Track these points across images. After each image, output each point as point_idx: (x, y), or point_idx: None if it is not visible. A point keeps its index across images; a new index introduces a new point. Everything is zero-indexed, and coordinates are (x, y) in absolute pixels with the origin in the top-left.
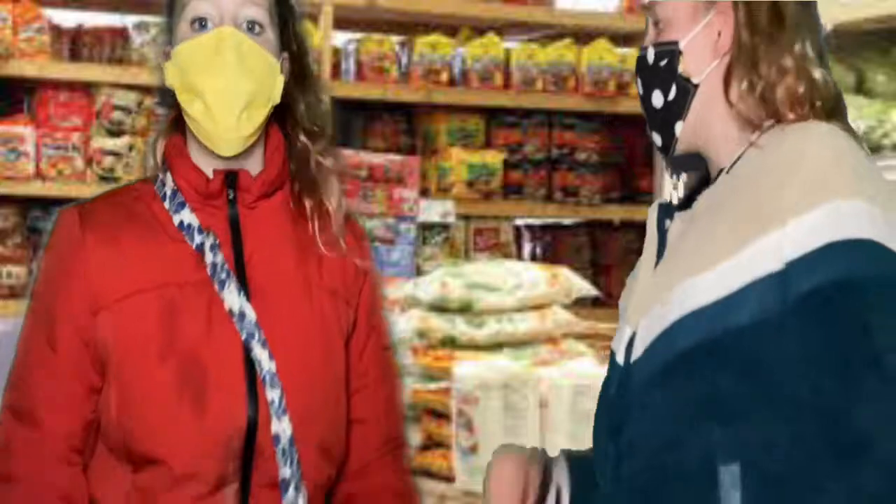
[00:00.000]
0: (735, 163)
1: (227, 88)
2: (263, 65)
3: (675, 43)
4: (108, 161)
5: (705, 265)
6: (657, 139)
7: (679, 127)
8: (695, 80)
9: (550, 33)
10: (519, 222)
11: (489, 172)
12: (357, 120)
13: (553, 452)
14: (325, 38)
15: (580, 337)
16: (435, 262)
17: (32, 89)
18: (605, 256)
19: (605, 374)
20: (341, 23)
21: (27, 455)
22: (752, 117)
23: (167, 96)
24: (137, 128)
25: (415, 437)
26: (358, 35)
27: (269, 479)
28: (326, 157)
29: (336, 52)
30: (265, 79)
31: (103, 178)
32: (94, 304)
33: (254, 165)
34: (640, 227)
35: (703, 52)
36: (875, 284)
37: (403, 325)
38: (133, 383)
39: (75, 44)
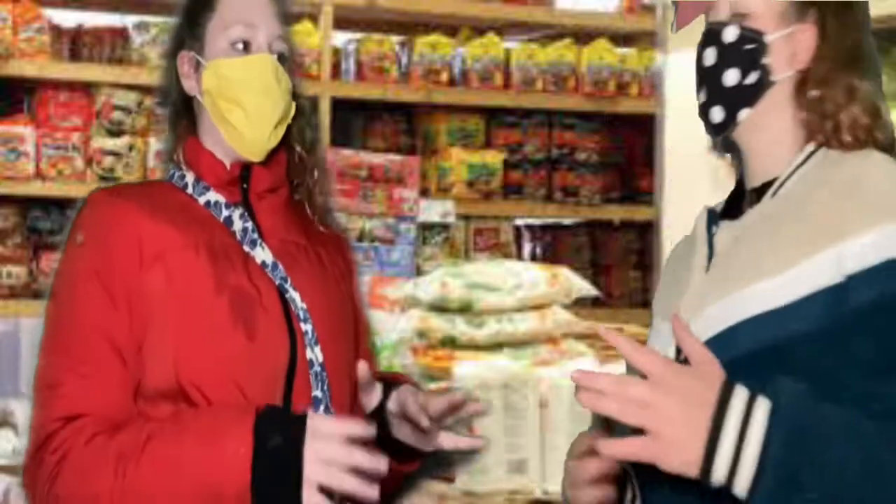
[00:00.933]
0: (787, 179)
1: (270, 106)
2: (289, 88)
3: (762, 34)
4: (108, 161)
5: (766, 273)
6: (718, 114)
7: (744, 114)
8: (773, 78)
9: (550, 33)
10: (519, 222)
11: (489, 172)
12: (357, 120)
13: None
14: (325, 38)
15: (580, 337)
16: (435, 262)
17: (32, 89)
18: (605, 256)
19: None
20: (341, 23)
21: (96, 391)
22: (814, 132)
23: (172, 93)
24: (137, 128)
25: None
26: (358, 35)
27: (305, 399)
28: (318, 171)
29: (336, 52)
30: (290, 101)
31: (103, 178)
32: (142, 260)
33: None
34: (640, 227)
35: (782, 56)
36: None
37: (403, 325)
38: (193, 317)
39: (75, 44)
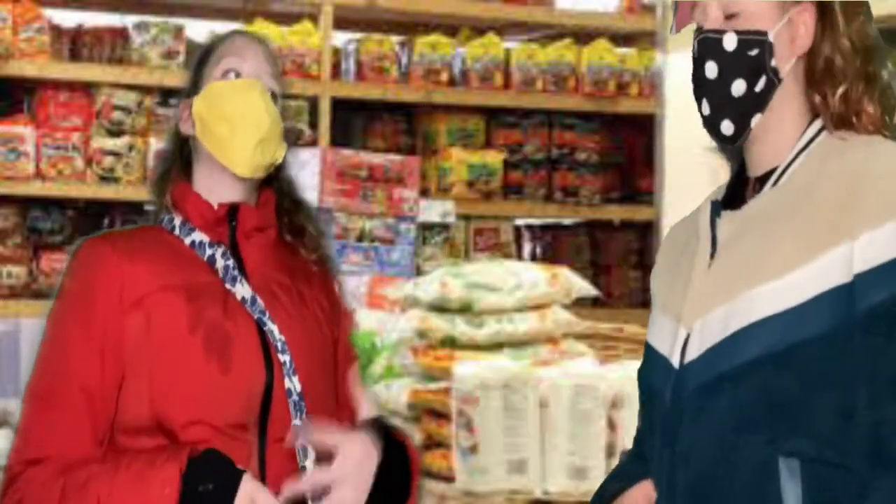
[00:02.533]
0: (787, 168)
1: (254, 120)
2: (277, 119)
3: (765, 34)
4: (107, 161)
5: (773, 274)
6: (728, 128)
7: (756, 119)
8: (781, 75)
9: (550, 33)
10: (519, 222)
11: (489, 172)
12: (357, 120)
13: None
14: (325, 38)
15: (580, 337)
16: (435, 262)
17: (32, 89)
18: (605, 256)
19: (644, 366)
20: (341, 23)
21: (58, 435)
22: (819, 114)
23: (171, 141)
24: (137, 128)
25: (415, 437)
26: (358, 35)
27: (282, 430)
28: (309, 223)
29: (336, 52)
30: (277, 131)
31: (103, 178)
32: (123, 303)
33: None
34: (640, 227)
35: (785, 47)
36: None
37: (403, 325)
38: (168, 355)
39: (75, 44)
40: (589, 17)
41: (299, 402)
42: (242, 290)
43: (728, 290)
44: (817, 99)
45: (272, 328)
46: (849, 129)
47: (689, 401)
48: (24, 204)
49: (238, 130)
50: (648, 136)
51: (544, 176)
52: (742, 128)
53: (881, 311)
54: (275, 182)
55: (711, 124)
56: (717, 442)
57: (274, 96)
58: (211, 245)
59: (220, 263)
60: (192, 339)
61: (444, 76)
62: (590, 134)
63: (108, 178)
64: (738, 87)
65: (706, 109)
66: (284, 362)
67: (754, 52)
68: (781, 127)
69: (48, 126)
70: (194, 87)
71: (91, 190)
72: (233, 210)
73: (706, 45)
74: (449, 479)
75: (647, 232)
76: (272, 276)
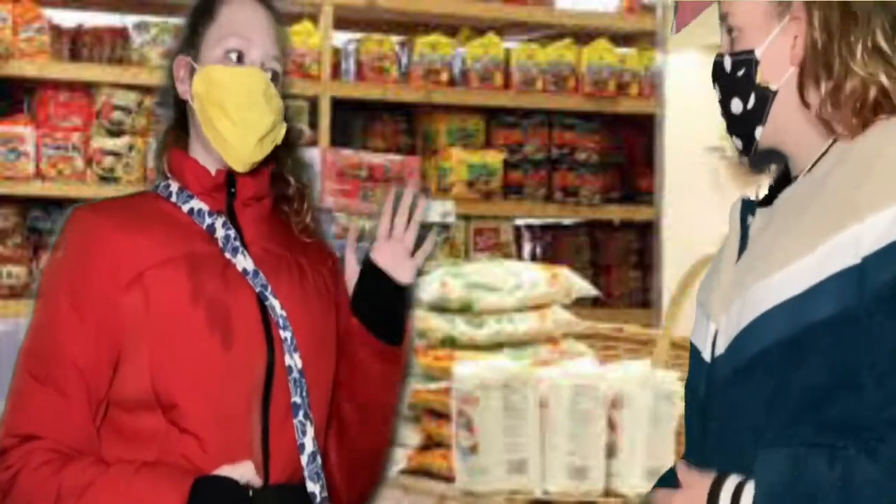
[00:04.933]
0: (816, 162)
1: (254, 119)
2: (279, 108)
3: (752, 52)
4: (108, 161)
5: (783, 262)
6: (738, 143)
7: (759, 132)
8: (773, 87)
9: (550, 33)
10: (519, 222)
11: (489, 172)
12: (357, 120)
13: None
14: (325, 38)
15: (580, 337)
16: (435, 262)
17: (32, 89)
18: (605, 256)
19: (689, 369)
20: (341, 23)
21: (52, 415)
22: (829, 119)
23: (169, 96)
24: (137, 128)
25: (415, 437)
26: (358, 35)
27: (284, 407)
28: (306, 182)
29: (336, 52)
30: (279, 119)
31: (103, 178)
32: (119, 282)
33: None
34: (640, 227)
35: (780, 58)
36: None
37: None
38: (169, 329)
39: (75, 44)
40: (589, 17)
41: (299, 378)
42: (244, 262)
43: (746, 282)
44: (807, 97)
45: (274, 303)
46: (849, 126)
47: (718, 395)
48: (24, 204)
49: (238, 128)
50: (648, 136)
51: (544, 176)
52: (749, 141)
53: (885, 291)
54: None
55: (731, 139)
56: (743, 432)
57: (276, 77)
58: (210, 214)
59: (220, 233)
60: (193, 312)
61: (444, 76)
62: (590, 134)
63: (108, 178)
64: (736, 106)
65: (725, 126)
66: (286, 338)
67: (742, 72)
68: (807, 130)
69: (48, 126)
70: (190, 45)
71: (91, 190)
72: (230, 177)
73: (715, 69)
74: (449, 479)
75: (647, 232)
76: (270, 247)
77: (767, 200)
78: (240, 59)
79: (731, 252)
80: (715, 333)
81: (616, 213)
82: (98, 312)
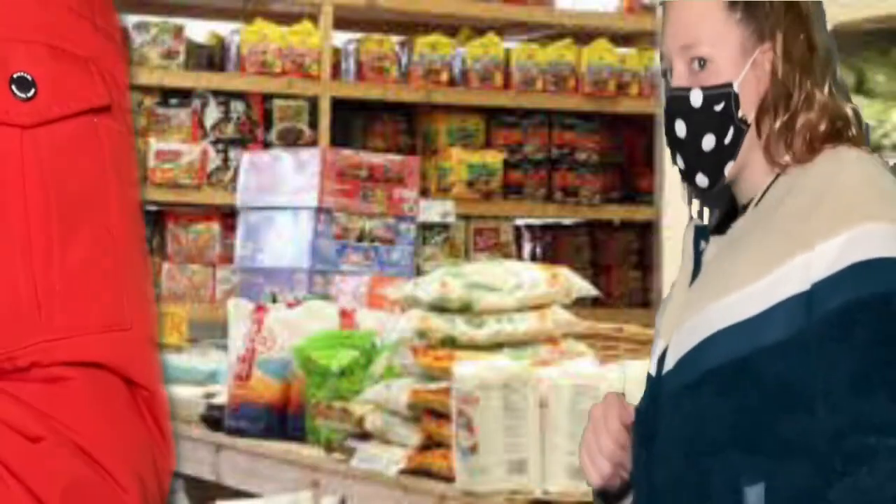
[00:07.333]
0: (767, 190)
1: None
2: None
3: (730, 85)
4: None
5: (736, 285)
6: (703, 181)
7: (729, 167)
8: (748, 121)
9: (550, 33)
10: (519, 222)
11: (489, 172)
12: (357, 120)
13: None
14: (325, 38)
15: (580, 337)
16: (435, 262)
17: None
18: (605, 256)
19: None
20: (341, 23)
21: None
22: (777, 148)
23: None
24: (137, 128)
25: (415, 437)
26: (358, 35)
27: None
28: None
29: (336, 52)
30: None
31: None
32: None
33: None
34: (640, 227)
35: (751, 90)
36: None
37: (403, 325)
38: None
39: None
40: (589, 17)
41: None
42: None
43: (699, 304)
44: (763, 129)
45: None
46: (798, 157)
47: (664, 408)
48: None
49: None
50: (648, 136)
51: (544, 176)
52: (716, 178)
53: (833, 318)
54: None
55: (687, 178)
56: (686, 448)
57: None
58: None
59: None
60: None
61: (444, 76)
62: (590, 134)
63: None
64: (708, 142)
65: (681, 164)
66: None
67: (720, 107)
68: (759, 159)
69: None
70: None
71: None
72: None
73: (674, 104)
74: (449, 479)
75: (647, 232)
76: None
77: (719, 228)
78: None
79: (685, 277)
80: (664, 350)
81: (616, 213)
82: None
